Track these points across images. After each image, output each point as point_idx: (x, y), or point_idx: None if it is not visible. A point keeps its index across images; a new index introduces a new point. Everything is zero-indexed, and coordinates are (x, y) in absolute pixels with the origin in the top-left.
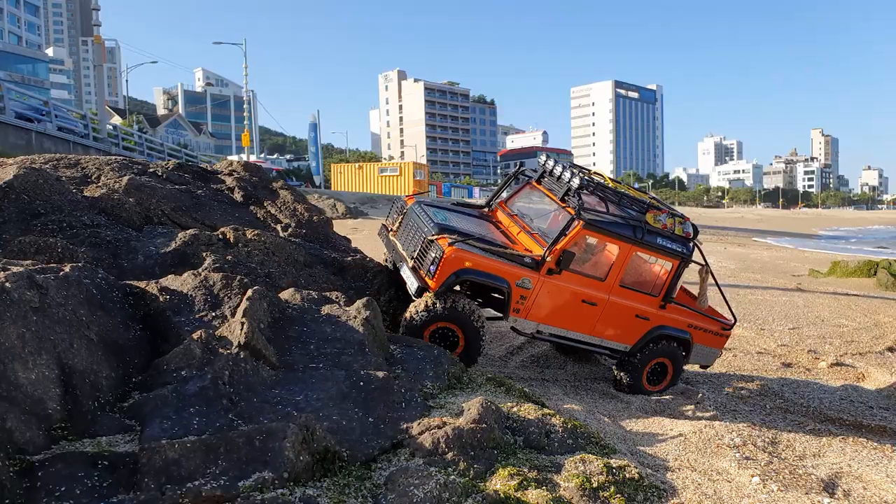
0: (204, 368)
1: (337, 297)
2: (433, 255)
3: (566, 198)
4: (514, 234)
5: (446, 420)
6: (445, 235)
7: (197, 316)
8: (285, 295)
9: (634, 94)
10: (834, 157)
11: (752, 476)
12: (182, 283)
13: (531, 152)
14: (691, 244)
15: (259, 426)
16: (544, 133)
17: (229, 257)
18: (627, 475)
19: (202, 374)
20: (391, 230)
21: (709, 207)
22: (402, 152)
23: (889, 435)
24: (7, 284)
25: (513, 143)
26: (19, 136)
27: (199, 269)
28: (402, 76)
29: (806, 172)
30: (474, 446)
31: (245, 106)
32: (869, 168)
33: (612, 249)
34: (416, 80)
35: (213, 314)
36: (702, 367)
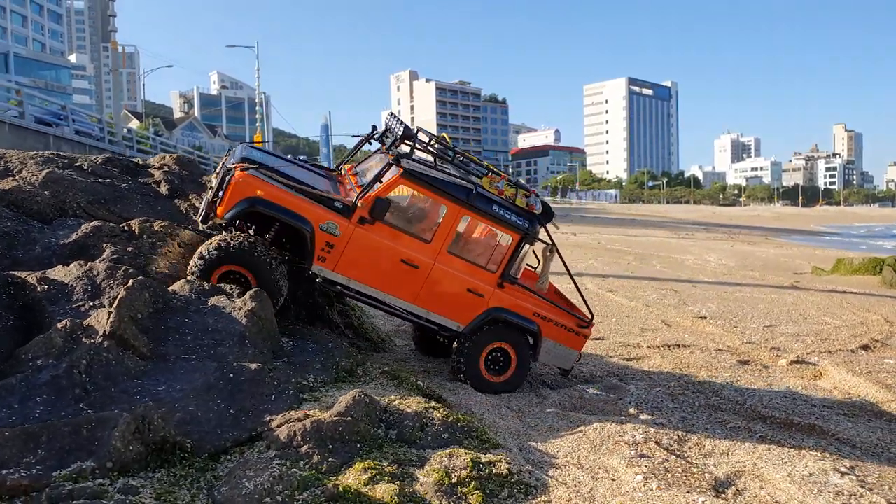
0: (62, 358)
1: (231, 289)
2: (226, 180)
3: (392, 148)
4: (347, 191)
5: (310, 413)
6: (245, 164)
7: (74, 306)
8: (176, 286)
9: (649, 92)
10: (857, 153)
11: (637, 474)
12: (66, 273)
13: (543, 151)
14: (536, 220)
15: (88, 415)
16: (556, 131)
17: (130, 248)
18: (495, 471)
19: (58, 363)
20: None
21: (725, 205)
22: None
23: (817, 434)
24: None
25: (524, 141)
26: (38, 140)
27: (94, 261)
28: (413, 76)
29: (827, 169)
30: (335, 440)
31: (258, 108)
32: (895, 164)
33: (441, 210)
34: (427, 81)
35: (92, 304)
36: (562, 372)
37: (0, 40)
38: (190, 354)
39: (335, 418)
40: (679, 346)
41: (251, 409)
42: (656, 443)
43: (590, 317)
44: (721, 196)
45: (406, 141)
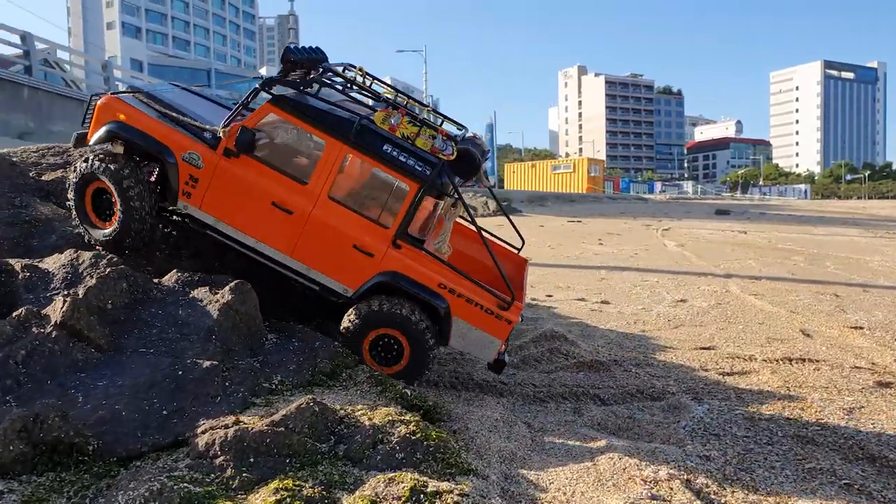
0: (4, 347)
1: (216, 279)
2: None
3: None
4: None
5: (244, 420)
6: (125, 91)
7: (49, 294)
8: (166, 277)
9: (849, 75)
10: None
11: None
12: (55, 261)
13: (723, 144)
14: (443, 168)
15: None
16: (738, 123)
17: None
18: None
19: None
20: None
21: None
22: (581, 148)
23: None
24: None
25: (702, 134)
26: None
27: (102, 251)
28: (582, 72)
29: None
30: (259, 452)
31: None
32: None
33: (320, 147)
34: (596, 75)
35: (67, 293)
36: (490, 367)
37: (204, 58)
38: (148, 348)
39: (265, 428)
40: (804, 360)
41: (188, 412)
42: (685, 482)
43: (511, 298)
44: None
45: (296, 67)
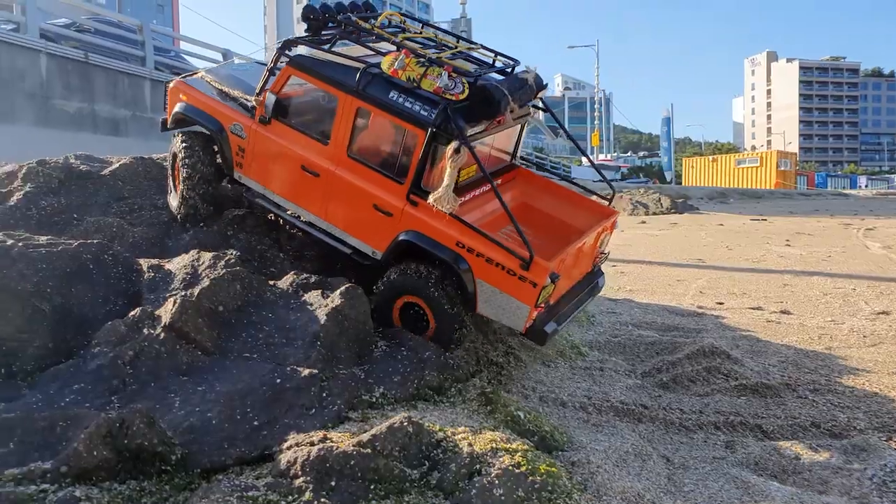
0: (115, 347)
1: (330, 283)
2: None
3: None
4: None
5: (331, 437)
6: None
7: (167, 294)
8: (282, 280)
9: None
10: None
11: None
12: (178, 261)
13: None
14: (451, 110)
15: (66, 412)
16: None
17: (267, 239)
18: None
19: (109, 351)
20: None
21: None
22: (769, 141)
23: None
24: None
25: None
26: None
27: (227, 251)
28: (771, 58)
29: None
30: (343, 475)
31: (595, 105)
32: None
33: (335, 104)
34: (788, 60)
35: (183, 293)
36: (529, 338)
37: None
38: (252, 353)
39: (350, 448)
40: None
41: (279, 424)
42: None
43: (529, 256)
44: None
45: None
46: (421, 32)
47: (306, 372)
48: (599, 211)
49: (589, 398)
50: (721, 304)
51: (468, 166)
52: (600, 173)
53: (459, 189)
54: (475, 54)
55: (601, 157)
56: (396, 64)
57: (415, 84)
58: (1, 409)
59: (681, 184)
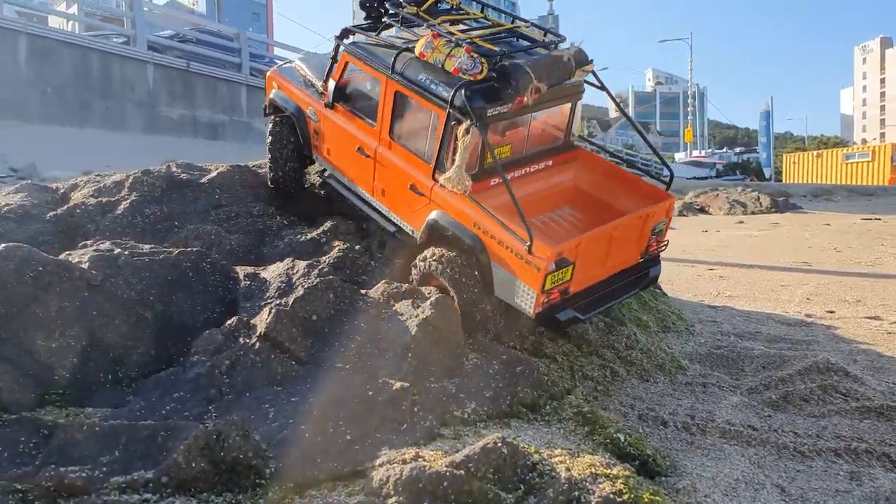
0: (213, 356)
1: (430, 293)
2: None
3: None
4: None
5: (424, 455)
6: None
7: (262, 303)
8: (373, 289)
9: None
10: None
11: None
12: (273, 270)
13: None
14: (468, 90)
15: (166, 422)
16: None
17: (358, 247)
18: None
19: (207, 360)
20: None
21: None
22: (882, 133)
23: None
24: (78, 263)
25: None
26: None
27: (321, 259)
28: (885, 44)
29: None
30: (436, 496)
31: (689, 101)
32: None
33: (379, 87)
34: None
35: (278, 302)
36: (541, 324)
37: None
38: (345, 364)
39: (444, 469)
40: None
41: (371, 439)
42: None
43: (529, 240)
44: None
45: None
46: (470, 14)
47: (398, 385)
48: (653, 195)
49: (692, 417)
50: (832, 312)
51: (502, 145)
52: (658, 154)
53: (503, 167)
54: (525, 33)
55: (695, 153)
56: (425, 46)
57: (440, 65)
58: (108, 415)
59: (780, 181)
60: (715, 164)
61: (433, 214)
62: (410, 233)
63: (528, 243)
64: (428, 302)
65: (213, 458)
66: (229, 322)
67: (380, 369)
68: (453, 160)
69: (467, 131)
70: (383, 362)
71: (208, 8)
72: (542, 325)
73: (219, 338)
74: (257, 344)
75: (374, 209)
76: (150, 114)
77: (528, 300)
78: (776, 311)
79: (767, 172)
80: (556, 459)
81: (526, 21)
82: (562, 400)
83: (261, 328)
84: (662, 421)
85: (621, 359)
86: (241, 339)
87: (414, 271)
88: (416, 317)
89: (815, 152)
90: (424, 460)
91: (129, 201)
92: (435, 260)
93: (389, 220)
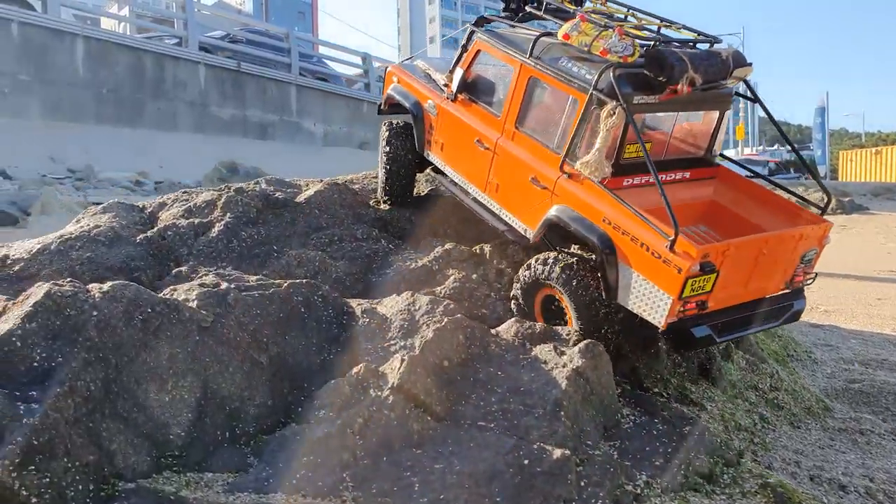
0: (342, 411)
1: (569, 335)
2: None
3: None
4: None
5: None
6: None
7: (385, 344)
8: (502, 327)
9: None
10: None
11: None
12: (391, 305)
13: None
14: (615, 74)
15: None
16: None
17: (475, 276)
18: None
19: (336, 417)
20: None
21: None
22: None
23: None
24: (185, 302)
25: None
26: None
27: (436, 289)
28: None
29: None
30: None
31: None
32: None
33: (510, 74)
34: None
35: (403, 344)
36: (669, 340)
37: None
38: (488, 421)
39: None
40: None
41: None
42: None
43: (674, 235)
44: None
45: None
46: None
47: (558, 453)
48: (804, 219)
49: (870, 479)
50: None
51: (636, 143)
52: (815, 175)
53: (632, 168)
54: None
55: (746, 150)
56: (571, 28)
57: (586, 48)
58: (232, 484)
59: (836, 179)
60: (768, 161)
61: (554, 210)
62: (523, 232)
63: (673, 238)
64: (576, 349)
65: None
66: (356, 370)
67: (531, 430)
68: (588, 148)
69: (612, 113)
70: (533, 421)
71: (255, 7)
72: (668, 341)
73: (346, 389)
74: (391, 398)
75: (484, 207)
76: (202, 114)
77: (660, 308)
78: (885, 331)
79: (822, 170)
80: None
81: (677, 23)
82: (738, 467)
83: (393, 379)
84: (840, 484)
85: (767, 402)
86: (371, 392)
87: (520, 279)
88: (564, 366)
89: (873, 149)
90: None
91: (223, 223)
92: (548, 264)
93: (500, 219)
